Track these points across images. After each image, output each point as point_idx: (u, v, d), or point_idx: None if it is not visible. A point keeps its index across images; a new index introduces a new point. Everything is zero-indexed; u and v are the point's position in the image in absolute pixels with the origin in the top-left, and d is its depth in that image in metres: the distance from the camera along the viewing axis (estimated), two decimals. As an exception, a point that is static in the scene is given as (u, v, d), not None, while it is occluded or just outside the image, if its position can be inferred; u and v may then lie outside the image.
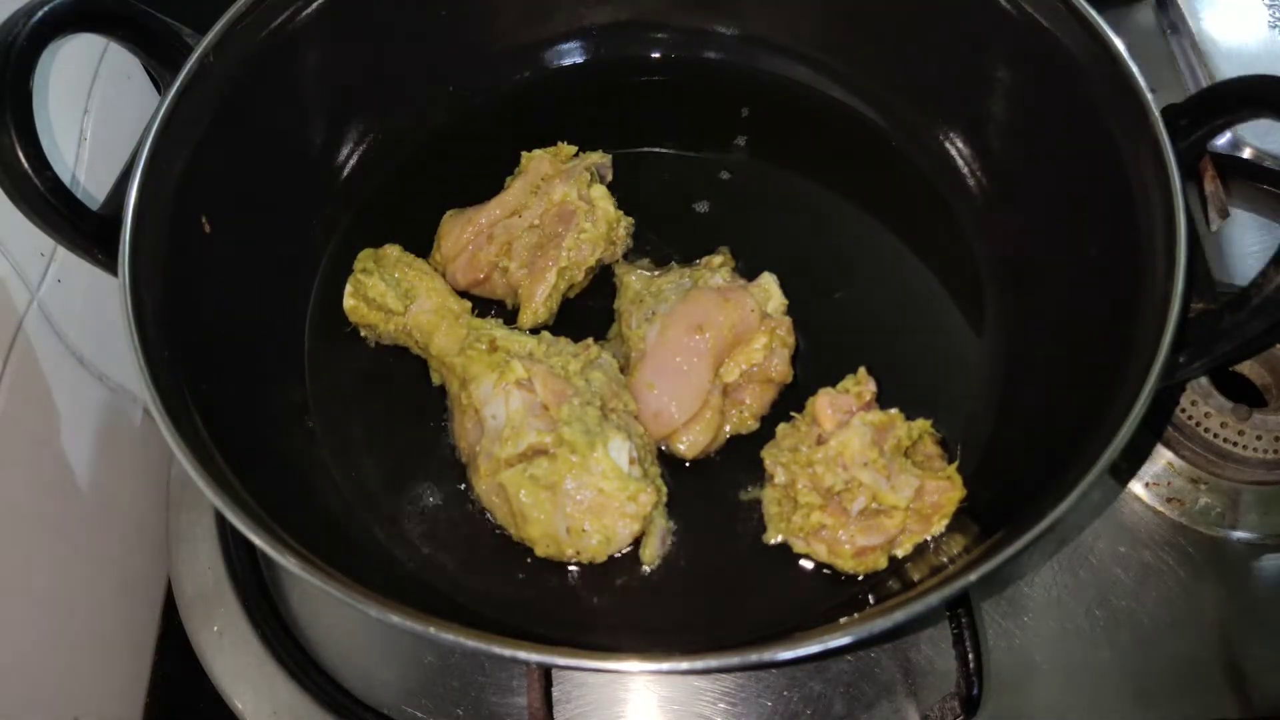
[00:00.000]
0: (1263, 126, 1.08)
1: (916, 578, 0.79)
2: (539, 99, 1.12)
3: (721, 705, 0.89)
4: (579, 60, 1.14)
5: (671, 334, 0.86)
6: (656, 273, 0.96)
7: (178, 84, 0.84)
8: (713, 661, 0.65)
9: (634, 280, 0.95)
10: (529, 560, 0.84)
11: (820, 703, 0.88)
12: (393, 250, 0.95)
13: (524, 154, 1.00)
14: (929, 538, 0.82)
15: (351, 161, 1.06)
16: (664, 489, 0.85)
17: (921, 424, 0.86)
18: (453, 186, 1.03)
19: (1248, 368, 1.02)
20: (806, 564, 0.84)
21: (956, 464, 0.84)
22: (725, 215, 1.03)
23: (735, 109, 1.10)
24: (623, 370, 0.89)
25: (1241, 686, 0.88)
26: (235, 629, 0.92)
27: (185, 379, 0.80)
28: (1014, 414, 0.89)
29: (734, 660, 0.65)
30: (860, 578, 0.82)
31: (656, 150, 1.07)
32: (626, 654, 0.72)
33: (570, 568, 0.84)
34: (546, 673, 0.82)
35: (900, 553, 0.82)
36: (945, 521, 0.82)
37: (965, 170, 1.02)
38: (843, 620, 0.68)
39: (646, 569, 0.84)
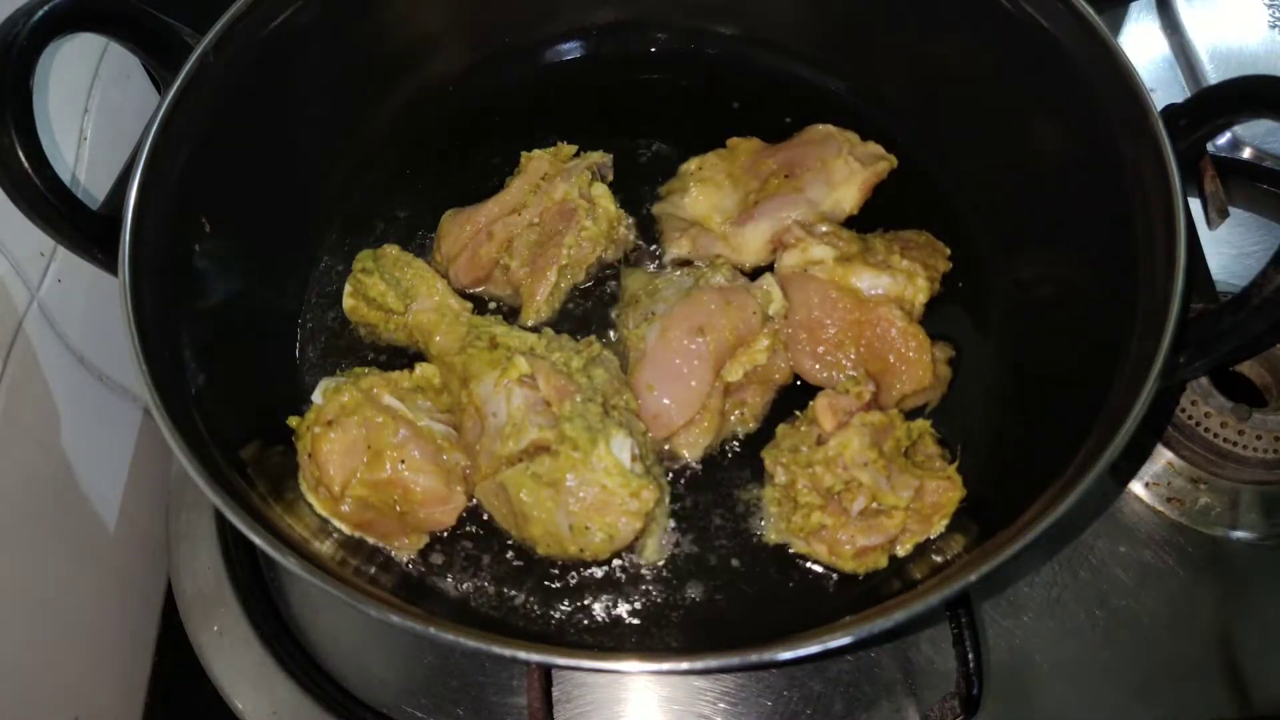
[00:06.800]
0: (1263, 126, 1.08)
1: (917, 578, 0.80)
2: (539, 98, 1.12)
3: (721, 705, 0.89)
4: (580, 59, 1.14)
5: (672, 335, 0.86)
6: (659, 271, 0.96)
7: (178, 84, 0.84)
8: (713, 661, 0.65)
9: (633, 280, 0.95)
10: (529, 560, 0.84)
11: (820, 703, 0.88)
12: (392, 250, 0.95)
13: (524, 154, 1.00)
14: (929, 538, 0.82)
15: (351, 161, 1.06)
16: (666, 486, 0.85)
17: (921, 424, 0.86)
18: (453, 186, 1.03)
19: (1248, 368, 1.02)
20: (806, 564, 0.84)
21: (956, 464, 0.84)
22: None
23: (737, 107, 1.10)
24: (622, 369, 0.89)
25: (1241, 686, 0.88)
26: (235, 629, 0.92)
27: (185, 379, 0.80)
28: (1014, 414, 0.89)
29: (734, 660, 0.65)
30: (860, 578, 0.82)
31: (657, 149, 1.06)
32: (626, 654, 0.72)
33: (571, 566, 0.84)
34: (546, 673, 0.82)
35: (901, 553, 0.82)
36: (945, 521, 0.82)
37: (965, 169, 1.02)
38: (843, 620, 0.68)
39: (647, 568, 0.84)
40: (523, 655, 0.67)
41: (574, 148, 1.00)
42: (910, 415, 0.88)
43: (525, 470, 0.79)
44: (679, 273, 0.93)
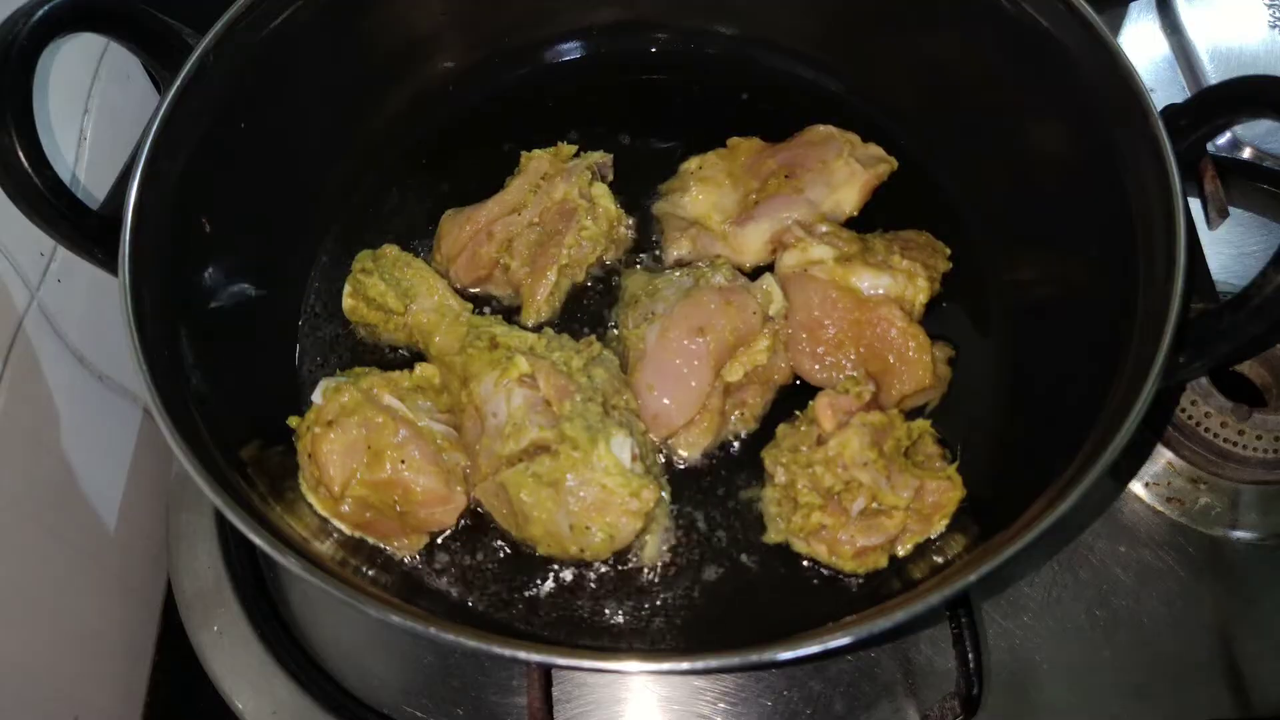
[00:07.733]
0: (1263, 126, 1.08)
1: (917, 578, 0.80)
2: (539, 98, 1.12)
3: (721, 705, 0.89)
4: (580, 59, 1.14)
5: (672, 336, 0.86)
6: (659, 271, 0.96)
7: (178, 84, 0.84)
8: (713, 661, 0.65)
9: (633, 280, 0.95)
10: (529, 560, 0.84)
11: (820, 702, 0.88)
12: (391, 250, 0.95)
13: (524, 154, 1.00)
14: (929, 538, 0.82)
15: (351, 161, 1.06)
16: (666, 486, 0.85)
17: (921, 424, 0.86)
18: (453, 186, 1.03)
19: (1248, 368, 1.02)
20: (807, 564, 0.84)
21: (956, 464, 0.84)
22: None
23: (737, 106, 1.10)
24: (622, 369, 0.89)
25: (1241, 686, 0.88)
26: (235, 629, 0.92)
27: (185, 379, 0.80)
28: (1014, 414, 0.89)
29: (734, 660, 0.65)
30: (860, 578, 0.82)
31: (657, 149, 1.06)
32: (626, 654, 0.72)
33: (571, 567, 0.84)
34: (546, 673, 0.82)
35: (901, 552, 0.82)
36: (945, 521, 0.82)
37: (965, 169, 1.02)
38: (843, 620, 0.68)
39: (647, 568, 0.84)
40: (523, 655, 0.67)
41: (574, 148, 1.00)
42: (910, 415, 0.88)
43: (525, 470, 0.80)
44: (679, 273, 0.93)
